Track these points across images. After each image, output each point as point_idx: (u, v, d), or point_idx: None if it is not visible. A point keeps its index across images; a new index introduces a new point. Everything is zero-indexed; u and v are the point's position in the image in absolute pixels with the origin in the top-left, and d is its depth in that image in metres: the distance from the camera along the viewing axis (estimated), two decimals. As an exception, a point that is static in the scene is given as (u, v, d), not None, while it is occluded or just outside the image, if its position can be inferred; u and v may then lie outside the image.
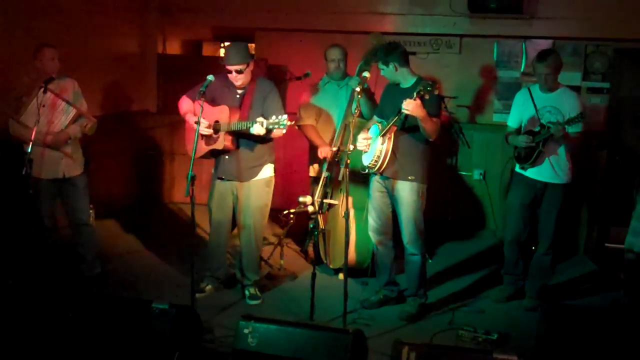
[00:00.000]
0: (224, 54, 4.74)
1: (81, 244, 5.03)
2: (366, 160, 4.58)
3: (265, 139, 4.66)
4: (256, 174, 4.76)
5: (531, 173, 4.79)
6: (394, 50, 4.48)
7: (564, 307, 4.23)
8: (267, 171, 4.83)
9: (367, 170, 4.61)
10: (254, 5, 7.01)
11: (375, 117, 4.73)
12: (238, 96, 4.70)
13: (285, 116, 4.33)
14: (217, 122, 4.59)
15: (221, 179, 4.80)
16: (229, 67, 4.58)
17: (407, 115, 4.30)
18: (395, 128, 4.41)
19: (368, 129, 4.63)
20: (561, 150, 4.69)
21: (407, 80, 4.52)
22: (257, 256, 4.99)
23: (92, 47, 6.41)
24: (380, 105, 4.75)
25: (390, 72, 4.50)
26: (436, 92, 4.17)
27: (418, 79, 4.50)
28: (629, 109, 6.02)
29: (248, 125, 4.43)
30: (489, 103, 6.88)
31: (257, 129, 4.38)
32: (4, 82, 5.11)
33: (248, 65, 4.61)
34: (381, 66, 4.51)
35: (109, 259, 5.51)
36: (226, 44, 7.73)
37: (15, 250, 4.86)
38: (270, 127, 4.35)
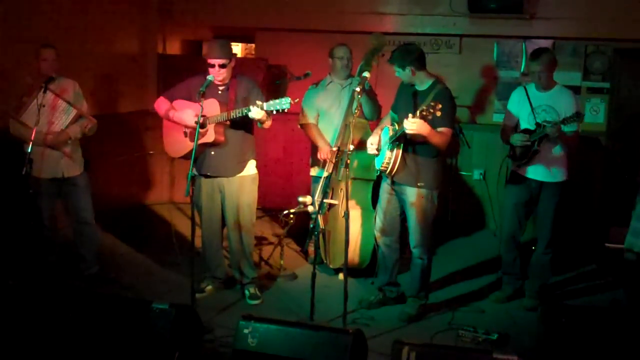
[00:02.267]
0: (208, 48, 4.75)
1: (82, 243, 5.03)
2: (378, 164, 4.61)
3: (249, 133, 4.72)
4: (242, 169, 4.77)
5: (526, 172, 4.79)
6: (410, 55, 4.43)
7: (564, 307, 4.23)
8: (252, 167, 4.85)
9: (379, 173, 4.62)
10: (254, 5, 7.01)
11: (390, 113, 4.74)
12: (220, 92, 4.69)
13: (288, 98, 4.33)
14: (204, 116, 4.57)
15: (206, 175, 4.77)
16: (213, 61, 4.59)
17: None
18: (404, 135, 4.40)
19: (381, 129, 4.63)
20: (556, 149, 4.69)
21: (423, 83, 4.50)
22: (250, 252, 4.99)
23: (92, 47, 6.41)
24: (396, 100, 4.74)
25: (407, 75, 4.47)
26: (438, 113, 4.12)
27: (434, 82, 4.47)
28: (629, 109, 6.02)
29: (245, 112, 4.43)
30: (489, 103, 6.88)
31: (255, 112, 4.37)
32: (4, 82, 5.11)
33: (230, 61, 4.63)
34: (397, 69, 4.47)
35: (109, 258, 5.51)
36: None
37: (15, 250, 4.86)
38: (271, 108, 4.33)
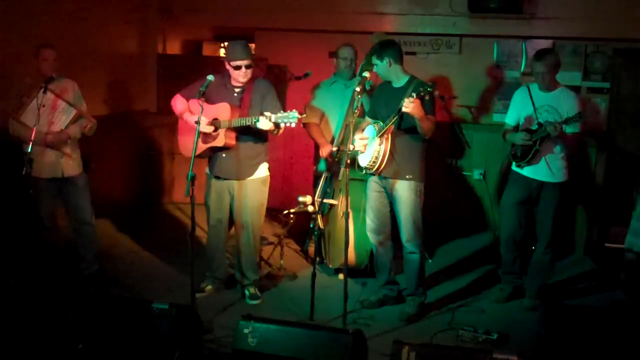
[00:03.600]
0: (229, 50, 4.72)
1: (81, 243, 5.03)
2: (363, 161, 4.58)
3: (262, 137, 4.70)
4: (253, 172, 4.77)
5: (527, 172, 4.79)
6: (390, 46, 4.51)
7: (564, 307, 4.23)
8: (263, 170, 4.83)
9: (364, 171, 4.61)
10: (254, 5, 7.01)
11: (367, 118, 4.73)
12: (236, 94, 4.69)
13: (295, 111, 4.33)
14: (216, 119, 4.59)
15: (218, 177, 4.79)
16: (239, 62, 4.56)
17: (403, 115, 4.30)
18: (392, 128, 4.42)
19: (363, 130, 4.63)
20: (557, 149, 4.70)
21: (399, 78, 4.54)
22: (255, 255, 4.99)
23: (92, 47, 6.41)
24: (372, 105, 4.75)
25: (384, 67, 4.51)
26: (437, 92, 4.20)
27: (410, 77, 4.52)
28: (629, 109, 6.02)
29: (254, 121, 4.43)
30: (489, 103, 6.88)
31: (264, 123, 4.37)
32: (4, 82, 5.11)
33: (254, 62, 4.64)
34: (375, 61, 4.53)
35: (108, 258, 5.51)
36: (226, 44, 7.73)
37: (15, 250, 4.86)
38: (279, 121, 4.33)
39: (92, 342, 3.68)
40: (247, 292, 4.90)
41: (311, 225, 4.42)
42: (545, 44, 6.47)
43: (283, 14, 6.93)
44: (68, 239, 5.16)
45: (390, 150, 4.45)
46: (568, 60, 6.41)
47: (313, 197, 5.26)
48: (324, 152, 5.25)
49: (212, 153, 4.74)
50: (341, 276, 4.93)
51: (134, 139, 7.10)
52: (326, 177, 5.09)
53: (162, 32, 7.51)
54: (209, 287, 4.98)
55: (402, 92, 4.42)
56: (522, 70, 6.72)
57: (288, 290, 5.14)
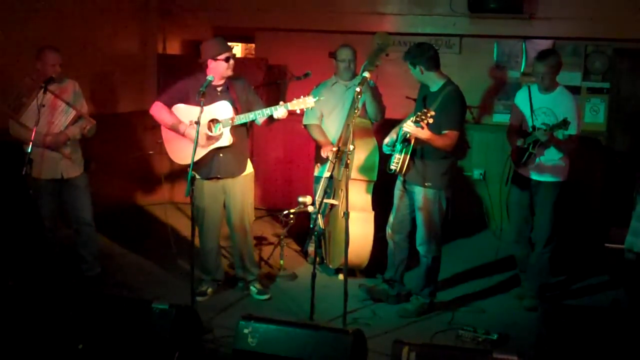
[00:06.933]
0: (213, 46, 4.63)
1: (82, 244, 5.03)
2: (391, 162, 4.64)
3: (248, 131, 4.79)
4: (245, 168, 4.80)
5: (525, 172, 4.81)
6: (422, 54, 4.49)
7: (564, 307, 4.23)
8: (250, 165, 4.87)
9: (392, 171, 4.65)
10: (254, 5, 7.01)
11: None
12: (220, 93, 4.65)
13: (309, 95, 4.40)
14: (214, 120, 4.57)
15: (212, 178, 4.72)
16: (228, 54, 4.58)
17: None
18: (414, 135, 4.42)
19: (399, 129, 4.65)
20: (552, 152, 4.70)
21: (435, 83, 4.55)
22: (253, 249, 5.04)
23: (92, 47, 6.41)
24: (415, 105, 4.78)
25: (417, 74, 4.55)
26: (430, 120, 4.18)
27: (444, 84, 4.52)
28: (629, 109, 6.03)
29: (267, 112, 4.46)
30: (489, 103, 6.88)
31: (280, 112, 4.43)
32: (4, 83, 5.11)
33: None
34: (409, 66, 4.56)
35: (109, 259, 5.51)
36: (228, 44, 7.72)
37: (16, 250, 4.86)
38: (296, 107, 4.38)
39: (92, 342, 3.68)
40: (253, 289, 4.91)
41: (311, 225, 4.41)
42: (545, 44, 6.47)
43: (283, 14, 6.93)
44: (68, 239, 5.16)
45: (411, 158, 4.49)
46: (568, 60, 6.40)
47: (313, 197, 5.26)
48: (325, 152, 5.24)
49: (211, 155, 4.65)
50: (341, 276, 4.93)
51: (133, 139, 7.09)
52: (327, 178, 5.08)
53: (162, 32, 7.51)
54: (210, 289, 4.95)
55: (432, 98, 4.47)
56: (522, 70, 6.72)
57: (288, 290, 5.14)
